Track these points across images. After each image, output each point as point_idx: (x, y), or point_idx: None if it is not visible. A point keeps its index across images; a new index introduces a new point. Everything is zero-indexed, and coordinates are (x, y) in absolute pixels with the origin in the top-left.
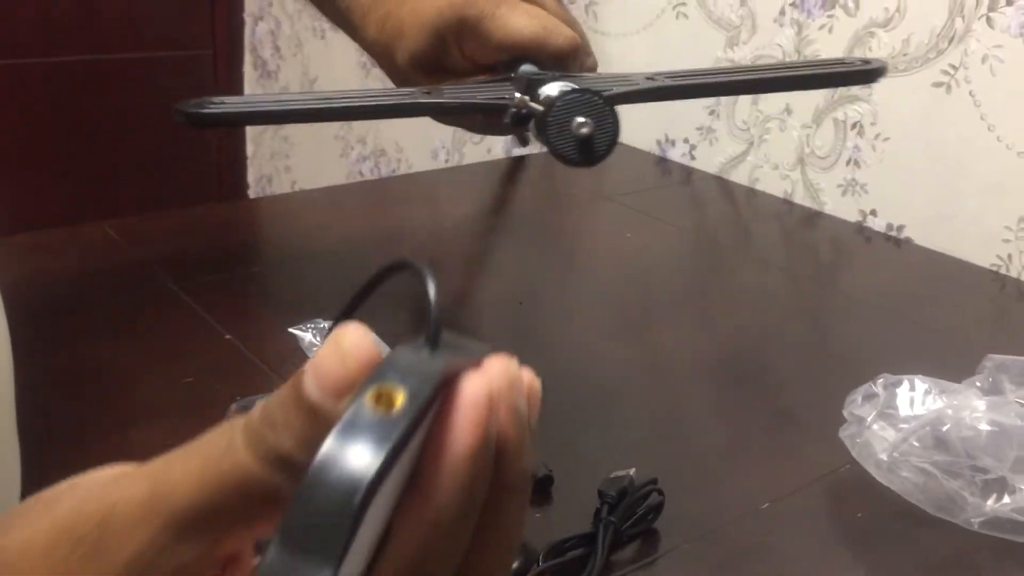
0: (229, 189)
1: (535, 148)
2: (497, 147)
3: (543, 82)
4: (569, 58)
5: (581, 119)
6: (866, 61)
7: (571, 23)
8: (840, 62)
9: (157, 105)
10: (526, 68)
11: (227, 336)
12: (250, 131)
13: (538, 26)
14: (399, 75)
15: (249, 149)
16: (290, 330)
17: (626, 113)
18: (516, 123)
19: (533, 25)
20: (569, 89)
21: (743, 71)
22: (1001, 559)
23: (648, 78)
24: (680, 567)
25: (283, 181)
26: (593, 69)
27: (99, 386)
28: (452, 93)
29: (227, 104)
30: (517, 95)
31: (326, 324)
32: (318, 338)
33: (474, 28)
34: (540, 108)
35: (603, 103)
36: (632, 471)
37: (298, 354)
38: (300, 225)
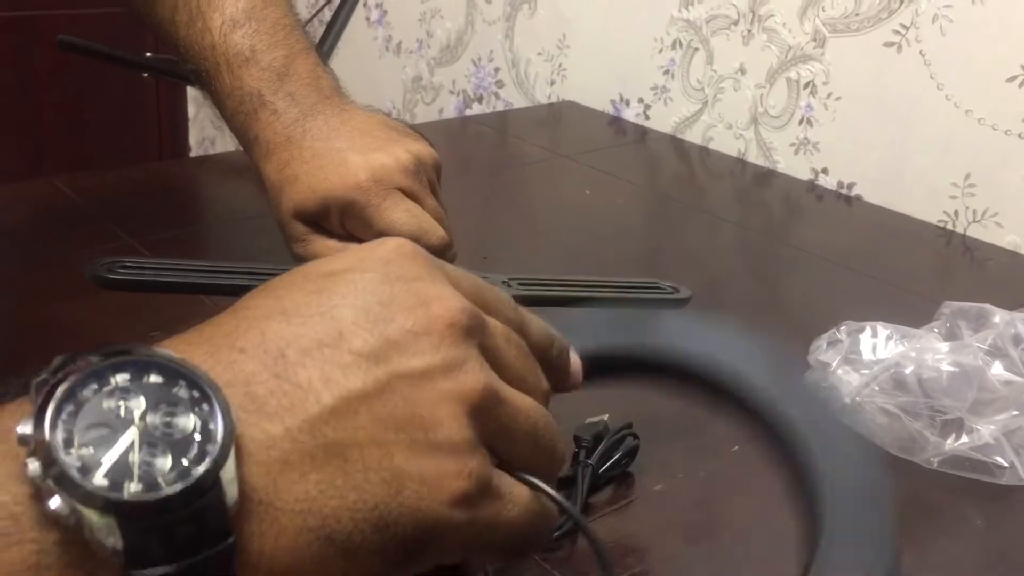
0: (170, 150)
1: (485, 108)
2: (449, 107)
3: None
4: (438, 255)
5: None
6: (676, 288)
7: (443, 222)
8: (655, 285)
9: (95, 62)
10: None
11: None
12: (191, 91)
13: (416, 224)
14: (280, 216)
15: (191, 110)
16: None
17: (582, 73)
18: None
19: (412, 223)
20: None
21: (582, 286)
22: (958, 496)
23: (504, 282)
24: (655, 508)
25: (227, 143)
26: (453, 261)
27: (65, 342)
28: None
29: (134, 271)
30: None
31: None
32: None
33: (360, 212)
34: None
35: None
36: (606, 416)
37: None
38: (252, 181)
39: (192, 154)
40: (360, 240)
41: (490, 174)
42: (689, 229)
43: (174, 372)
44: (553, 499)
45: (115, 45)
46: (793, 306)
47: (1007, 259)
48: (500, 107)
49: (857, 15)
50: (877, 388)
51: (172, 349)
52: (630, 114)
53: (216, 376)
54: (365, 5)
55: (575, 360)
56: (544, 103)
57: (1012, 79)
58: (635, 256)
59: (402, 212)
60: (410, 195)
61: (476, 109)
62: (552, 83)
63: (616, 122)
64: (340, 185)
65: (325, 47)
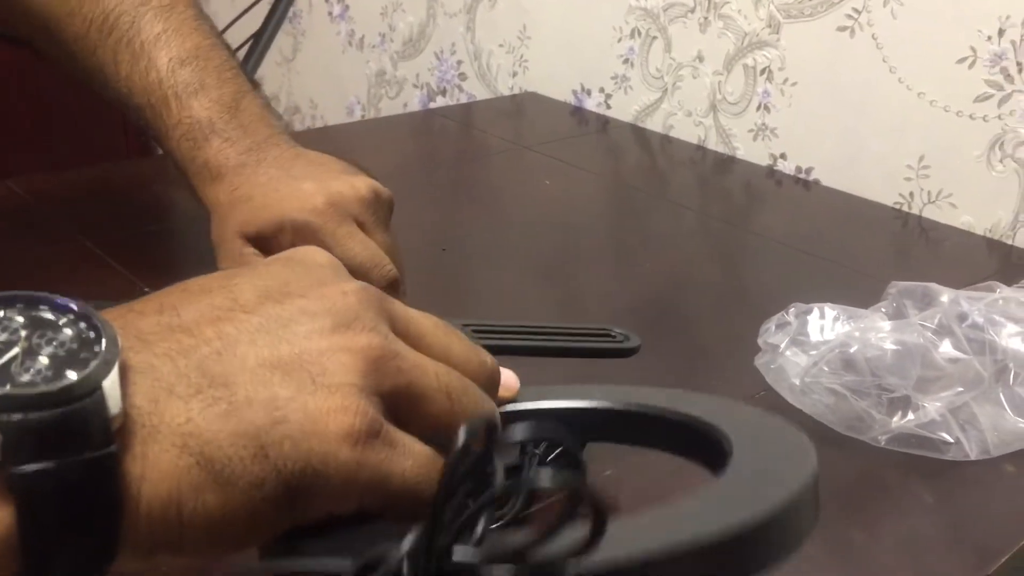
0: (136, 149)
1: (449, 101)
2: (413, 101)
3: None
4: (388, 290)
5: None
6: (626, 336)
7: (396, 259)
8: (606, 332)
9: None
10: None
11: (145, 289)
12: None
13: (368, 256)
14: (223, 232)
15: None
16: None
17: (544, 64)
18: None
19: (365, 254)
20: None
21: (534, 334)
22: (906, 472)
23: (463, 325)
24: (604, 492)
25: None
26: (402, 298)
27: None
28: None
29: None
30: None
31: None
32: None
33: (313, 235)
34: None
35: None
36: None
37: None
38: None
39: (160, 152)
40: None
41: (453, 167)
42: (651, 217)
43: (64, 308)
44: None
45: None
46: (750, 291)
47: (962, 239)
48: (464, 99)
49: (810, 0)
50: (825, 368)
51: None
52: (591, 104)
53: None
54: (327, 0)
55: (508, 374)
56: (507, 95)
57: (962, 60)
58: (597, 246)
59: (357, 242)
60: (364, 227)
61: (440, 102)
62: (514, 74)
63: (578, 112)
64: (297, 207)
65: (251, 61)
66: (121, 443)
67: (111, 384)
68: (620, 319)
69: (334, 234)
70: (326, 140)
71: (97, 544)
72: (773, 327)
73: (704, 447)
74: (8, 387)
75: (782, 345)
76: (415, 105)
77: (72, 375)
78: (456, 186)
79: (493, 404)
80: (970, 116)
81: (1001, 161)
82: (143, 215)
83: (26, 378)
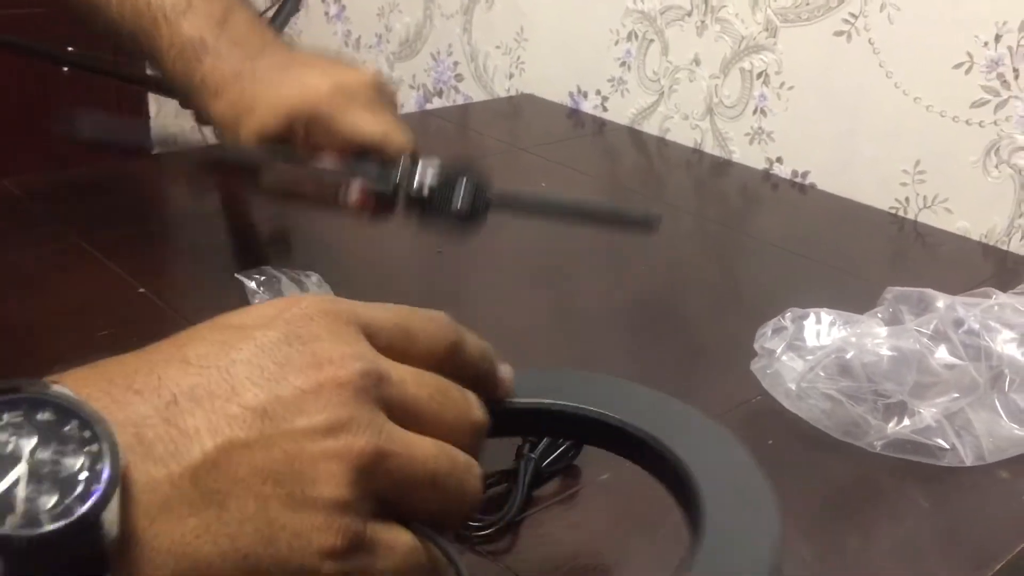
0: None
1: (445, 102)
2: (409, 102)
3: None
4: (400, 157)
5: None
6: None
7: (406, 130)
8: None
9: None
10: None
11: (140, 289)
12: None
13: (381, 130)
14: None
15: (152, 108)
16: (236, 275)
17: (540, 66)
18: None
19: (377, 128)
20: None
21: (562, 205)
22: (901, 478)
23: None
24: (599, 498)
25: (188, 140)
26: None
27: (14, 342)
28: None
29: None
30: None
31: (274, 272)
32: (262, 288)
33: (325, 122)
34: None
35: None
36: None
37: (232, 303)
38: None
39: (153, 152)
40: (321, 151)
41: None
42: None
43: (66, 411)
44: (441, 548)
45: (73, 44)
46: (746, 294)
47: (957, 244)
48: (460, 101)
49: (807, 4)
50: (821, 373)
51: (71, 384)
52: (588, 106)
53: (110, 415)
54: (324, 1)
55: (506, 371)
56: (503, 96)
57: (958, 66)
58: (593, 248)
59: (367, 121)
60: (373, 108)
61: (436, 103)
62: (511, 76)
63: (574, 114)
64: (301, 99)
65: None
66: (115, 565)
67: (112, 511)
68: (616, 321)
69: (344, 114)
70: None
71: None
72: (769, 331)
73: (682, 493)
74: (11, 522)
75: (778, 350)
76: (411, 106)
77: (78, 510)
78: None
79: (477, 487)
80: (966, 121)
81: (997, 167)
82: (138, 214)
83: (30, 510)
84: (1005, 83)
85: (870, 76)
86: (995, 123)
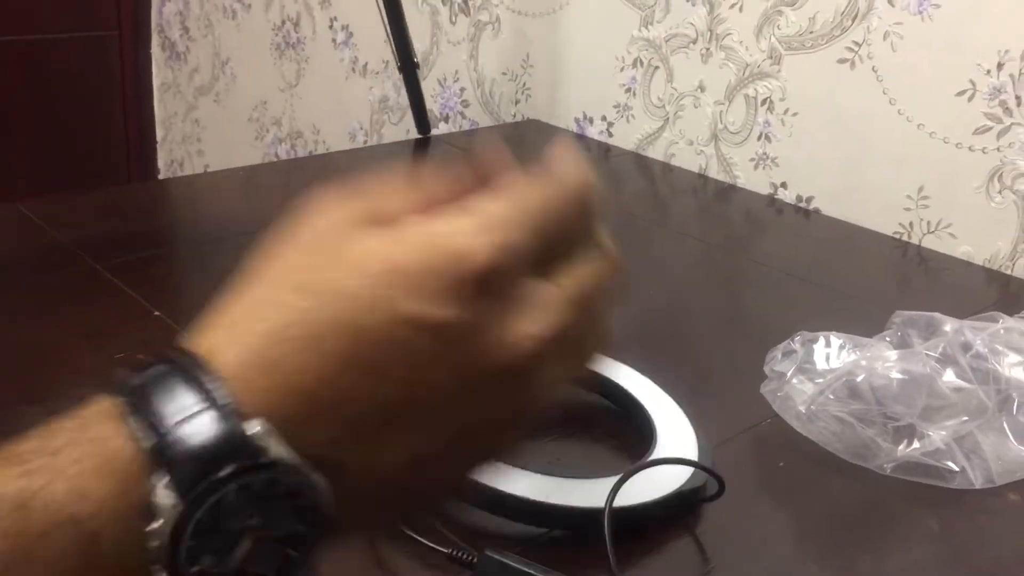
0: (138, 173)
1: (452, 128)
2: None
3: None
4: None
5: None
6: None
7: None
8: None
9: (62, 87)
10: None
11: (156, 312)
12: (159, 114)
13: None
14: None
15: (159, 133)
16: None
17: (546, 92)
18: None
19: None
20: None
21: None
22: (911, 500)
23: None
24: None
25: (195, 165)
26: None
27: (30, 365)
28: None
29: None
30: None
31: None
32: None
33: None
34: None
35: None
36: None
37: None
38: (218, 203)
39: (160, 176)
40: None
41: None
42: (653, 244)
43: (295, 492)
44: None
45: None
46: (753, 318)
47: (961, 269)
48: (466, 126)
49: (811, 33)
50: (831, 396)
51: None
52: (593, 132)
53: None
54: (331, 27)
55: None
56: (509, 122)
57: (961, 93)
58: None
59: None
60: None
61: (443, 128)
62: (517, 102)
63: (580, 140)
64: None
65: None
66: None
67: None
68: (624, 345)
69: None
70: (328, 165)
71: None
72: (779, 355)
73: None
74: None
75: (788, 373)
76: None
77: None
78: None
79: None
80: (969, 148)
81: (1000, 192)
82: (151, 238)
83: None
84: (1007, 110)
85: (873, 103)
86: (998, 149)
